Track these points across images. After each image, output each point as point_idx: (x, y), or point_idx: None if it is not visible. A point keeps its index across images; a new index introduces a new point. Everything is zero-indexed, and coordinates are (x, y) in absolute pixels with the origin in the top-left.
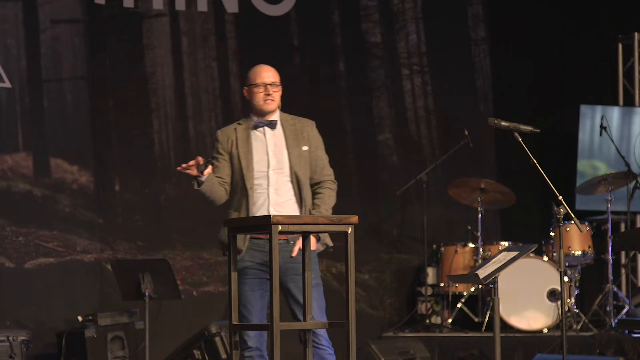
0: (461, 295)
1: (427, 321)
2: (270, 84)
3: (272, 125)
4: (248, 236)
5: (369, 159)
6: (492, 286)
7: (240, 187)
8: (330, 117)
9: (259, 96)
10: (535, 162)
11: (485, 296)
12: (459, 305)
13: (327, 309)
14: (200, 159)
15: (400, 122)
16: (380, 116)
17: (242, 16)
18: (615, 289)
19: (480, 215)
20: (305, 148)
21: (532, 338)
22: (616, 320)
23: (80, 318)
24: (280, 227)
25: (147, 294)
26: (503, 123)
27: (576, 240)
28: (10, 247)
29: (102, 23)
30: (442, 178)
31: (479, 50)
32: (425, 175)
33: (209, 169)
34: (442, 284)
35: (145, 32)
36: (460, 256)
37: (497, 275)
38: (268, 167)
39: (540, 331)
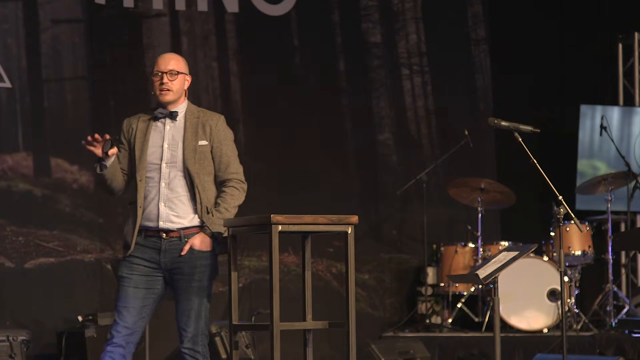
0: (461, 295)
1: (427, 321)
2: (166, 72)
3: (172, 116)
4: (136, 231)
5: (369, 159)
6: (492, 286)
7: (135, 179)
8: (330, 117)
9: (155, 85)
10: (535, 162)
11: (485, 296)
12: (459, 305)
13: (327, 309)
14: (108, 136)
15: (400, 122)
16: (380, 116)
17: (242, 16)
18: (616, 288)
19: (480, 215)
20: (202, 143)
21: (532, 338)
22: (616, 320)
23: (80, 318)
24: (280, 227)
25: None
26: (503, 123)
27: (576, 240)
28: (10, 247)
29: (102, 23)
30: (442, 178)
31: (479, 50)
32: (425, 175)
33: (114, 150)
34: (442, 284)
35: (145, 32)
36: (460, 256)
37: (497, 275)
38: (161, 160)
39: (540, 331)
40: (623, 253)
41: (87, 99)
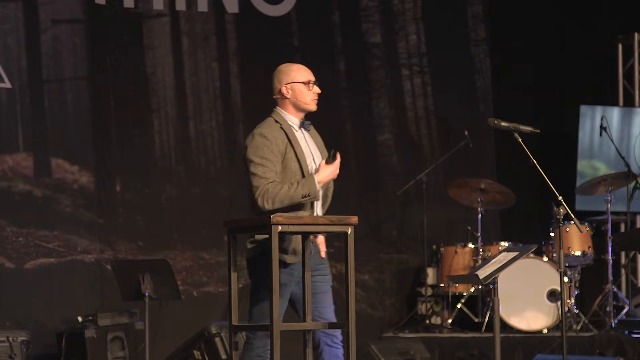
0: (461, 296)
1: (427, 321)
2: (316, 83)
3: (309, 126)
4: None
5: (369, 159)
6: (492, 286)
7: None
8: (330, 117)
9: (304, 93)
10: (535, 162)
11: (485, 296)
12: (458, 306)
13: None
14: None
15: (400, 122)
16: (380, 116)
17: (242, 16)
18: (615, 289)
19: (480, 215)
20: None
21: (532, 338)
22: (616, 321)
23: (80, 318)
24: (280, 228)
25: (147, 294)
26: (503, 123)
27: (576, 240)
28: (10, 248)
29: (103, 23)
30: (442, 178)
31: (479, 51)
32: (425, 175)
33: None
34: (442, 285)
35: (145, 33)
36: (460, 256)
37: (497, 275)
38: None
39: (540, 331)
40: (623, 253)
41: (87, 99)
